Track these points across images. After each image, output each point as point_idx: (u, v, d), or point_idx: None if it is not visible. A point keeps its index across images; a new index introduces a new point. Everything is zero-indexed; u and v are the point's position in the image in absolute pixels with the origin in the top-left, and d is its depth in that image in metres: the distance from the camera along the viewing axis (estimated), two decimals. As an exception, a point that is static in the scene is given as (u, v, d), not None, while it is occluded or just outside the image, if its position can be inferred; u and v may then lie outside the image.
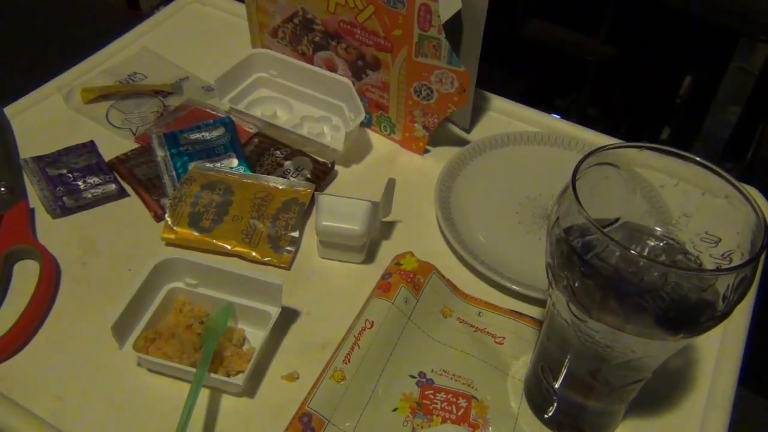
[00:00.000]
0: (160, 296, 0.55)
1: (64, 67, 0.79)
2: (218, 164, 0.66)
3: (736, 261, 0.39)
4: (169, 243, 0.61)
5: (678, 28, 1.33)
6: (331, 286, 0.59)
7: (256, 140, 0.71)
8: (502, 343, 0.55)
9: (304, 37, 0.72)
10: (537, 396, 0.50)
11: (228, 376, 0.51)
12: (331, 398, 0.49)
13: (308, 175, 0.67)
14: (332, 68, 0.72)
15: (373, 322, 0.52)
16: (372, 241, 0.62)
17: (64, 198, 0.64)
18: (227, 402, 0.51)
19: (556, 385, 0.48)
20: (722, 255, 0.40)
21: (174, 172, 0.66)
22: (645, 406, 0.51)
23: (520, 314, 0.57)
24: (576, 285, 0.39)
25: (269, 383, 0.52)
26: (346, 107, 0.72)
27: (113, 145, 0.69)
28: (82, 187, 0.64)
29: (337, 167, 0.69)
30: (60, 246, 0.60)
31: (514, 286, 0.58)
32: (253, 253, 0.60)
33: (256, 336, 0.54)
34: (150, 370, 0.52)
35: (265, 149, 0.69)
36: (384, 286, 0.55)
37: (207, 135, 0.69)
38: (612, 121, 1.58)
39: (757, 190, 0.63)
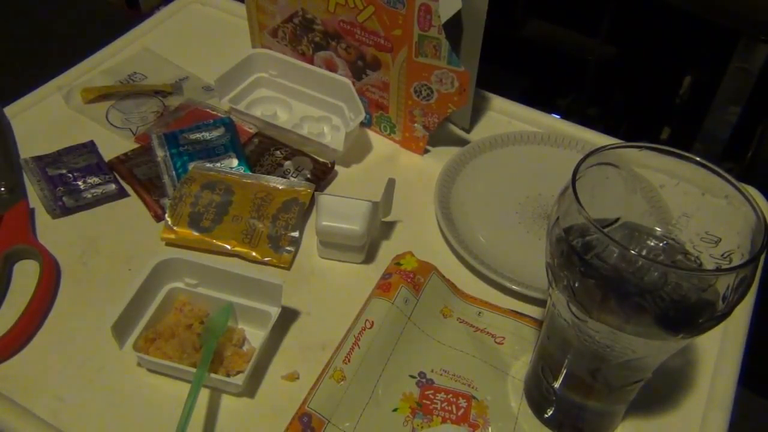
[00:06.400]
0: (160, 296, 0.55)
1: (64, 67, 0.79)
2: (218, 164, 0.66)
3: (736, 261, 0.39)
4: (169, 243, 0.61)
5: (678, 28, 1.33)
6: (331, 286, 0.59)
7: (256, 140, 0.71)
8: (502, 343, 0.55)
9: (304, 37, 0.72)
10: (537, 396, 0.50)
11: (228, 376, 0.51)
12: (331, 398, 0.49)
13: (308, 175, 0.67)
14: (332, 68, 0.72)
15: (373, 322, 0.52)
16: (372, 241, 0.62)
17: (64, 198, 0.64)
18: (227, 402, 0.51)
19: (556, 385, 0.48)
20: (722, 255, 0.40)
21: (174, 172, 0.66)
22: (645, 406, 0.51)
23: (520, 314, 0.57)
24: (576, 285, 0.39)
25: (269, 383, 0.52)
26: (346, 107, 0.72)
27: (113, 145, 0.69)
28: (82, 187, 0.64)
29: (337, 167, 0.69)
30: (60, 246, 0.60)
31: (514, 286, 0.58)
32: (253, 253, 0.60)
33: (256, 336, 0.54)
34: (150, 370, 0.52)
35: (265, 149, 0.69)
36: (384, 286, 0.55)
37: (207, 135, 0.69)
38: (612, 121, 1.58)
39: (757, 190, 0.63)
